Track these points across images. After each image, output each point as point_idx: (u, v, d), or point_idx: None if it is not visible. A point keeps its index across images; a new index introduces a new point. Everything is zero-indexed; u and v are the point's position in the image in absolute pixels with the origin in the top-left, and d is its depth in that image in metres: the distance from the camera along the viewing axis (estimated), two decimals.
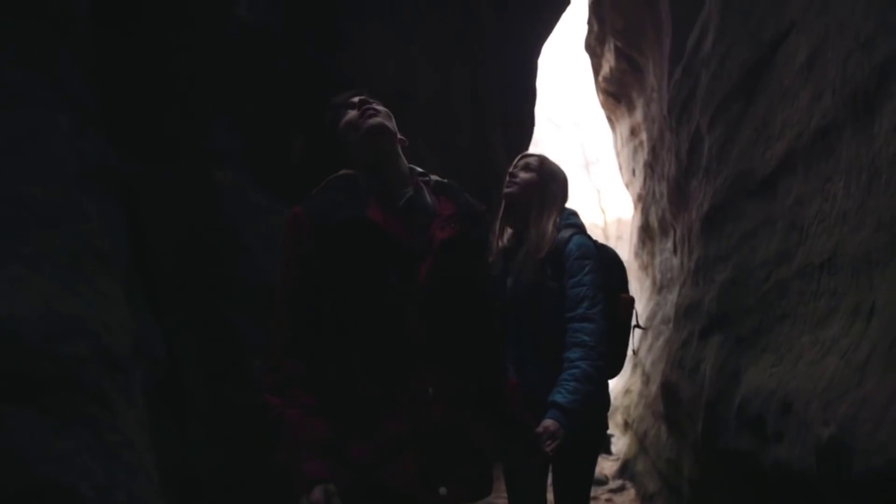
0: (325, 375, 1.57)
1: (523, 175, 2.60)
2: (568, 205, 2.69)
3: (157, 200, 3.37)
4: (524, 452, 1.96)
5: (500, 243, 2.70)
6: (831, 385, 1.76)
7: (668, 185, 6.62)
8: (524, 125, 9.25)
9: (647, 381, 7.49)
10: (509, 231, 2.70)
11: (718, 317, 3.35)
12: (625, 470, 7.12)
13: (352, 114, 1.72)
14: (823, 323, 2.09)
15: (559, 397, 2.18)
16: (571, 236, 2.47)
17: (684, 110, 4.82)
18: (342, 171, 1.74)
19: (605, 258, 2.56)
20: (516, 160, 2.72)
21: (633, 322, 2.66)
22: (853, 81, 2.04)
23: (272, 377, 1.54)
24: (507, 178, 2.63)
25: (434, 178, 1.80)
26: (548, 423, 2.10)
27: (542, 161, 2.67)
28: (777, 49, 2.97)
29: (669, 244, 7.72)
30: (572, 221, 2.57)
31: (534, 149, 9.63)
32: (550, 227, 2.50)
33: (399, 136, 1.75)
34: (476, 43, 7.77)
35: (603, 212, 35.69)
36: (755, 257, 2.96)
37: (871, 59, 1.90)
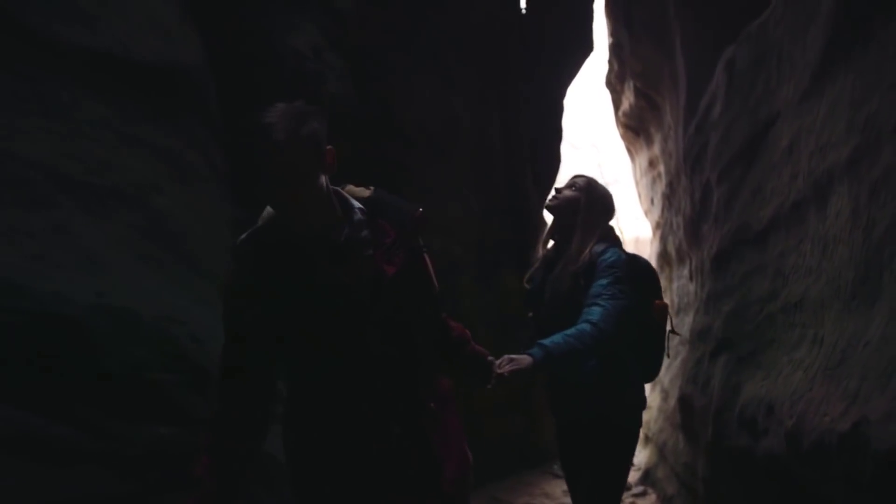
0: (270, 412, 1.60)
1: (567, 192, 2.76)
2: None
3: None
4: (481, 380, 1.90)
5: (543, 253, 2.89)
6: (795, 391, 2.55)
7: (684, 220, 7.39)
8: (552, 161, 10.10)
9: (665, 396, 8.20)
10: (551, 243, 2.86)
11: (724, 341, 4.13)
12: (646, 477, 7.83)
13: (261, 143, 1.47)
14: (796, 347, 2.88)
15: (544, 340, 2.18)
16: (605, 249, 2.58)
17: (697, 162, 5.62)
18: (268, 214, 1.62)
19: (637, 268, 2.69)
20: (568, 180, 2.89)
21: (669, 328, 2.76)
22: (814, 174, 2.84)
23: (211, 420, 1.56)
24: (553, 192, 2.81)
25: (359, 198, 1.67)
26: (515, 355, 2.05)
27: (589, 182, 2.80)
28: (768, 130, 3.77)
29: (686, 271, 8.46)
30: (610, 236, 2.72)
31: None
32: (589, 245, 2.60)
33: (323, 161, 1.53)
34: (510, 89, 8.66)
35: (621, 231, 36.31)
36: (752, 294, 3.75)
37: (824, 162, 2.71)
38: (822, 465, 2.06)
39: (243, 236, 1.59)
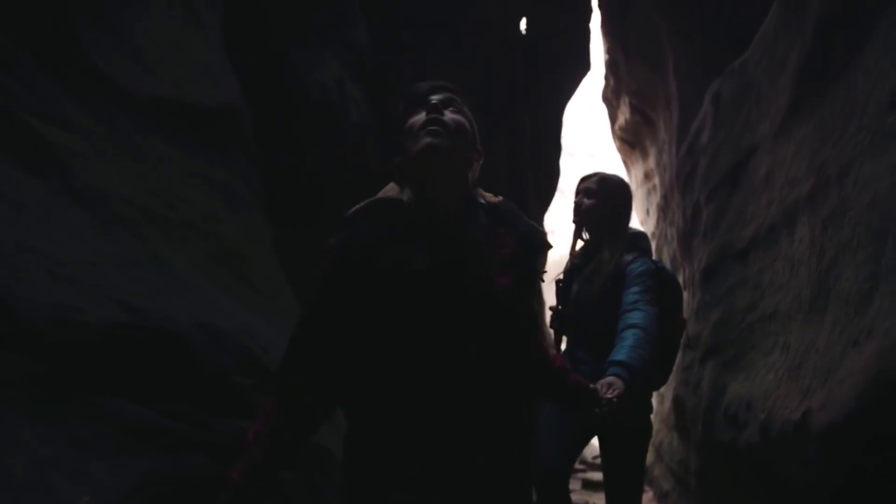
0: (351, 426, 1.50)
1: (586, 202, 2.76)
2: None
3: (296, 258, 4.62)
4: (589, 407, 1.81)
5: (571, 255, 2.89)
6: (767, 390, 3.01)
7: (678, 233, 7.86)
8: (552, 173, 10.58)
9: (661, 400, 8.65)
10: (580, 244, 2.88)
11: (712, 347, 4.59)
12: (645, 476, 8.29)
13: (419, 117, 1.47)
14: (770, 352, 3.34)
15: (616, 356, 2.15)
16: (636, 258, 2.61)
17: (688, 181, 6.10)
18: (389, 189, 1.55)
19: (664, 279, 2.69)
20: (578, 184, 2.86)
21: (685, 341, 2.86)
22: (784, 203, 3.31)
23: (265, 409, 1.46)
24: (574, 206, 2.80)
25: (491, 200, 1.59)
26: (607, 378, 2.01)
27: (601, 181, 2.81)
28: (749, 159, 4.24)
29: (680, 280, 8.93)
30: (640, 245, 2.74)
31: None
32: (620, 246, 2.66)
33: (474, 151, 1.54)
34: (512, 106, 9.13)
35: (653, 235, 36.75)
36: (736, 305, 4.21)
37: (791, 194, 3.18)
38: (783, 449, 2.52)
39: (356, 207, 1.51)
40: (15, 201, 2.21)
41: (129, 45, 3.42)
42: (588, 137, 38.81)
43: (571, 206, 2.87)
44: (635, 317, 2.32)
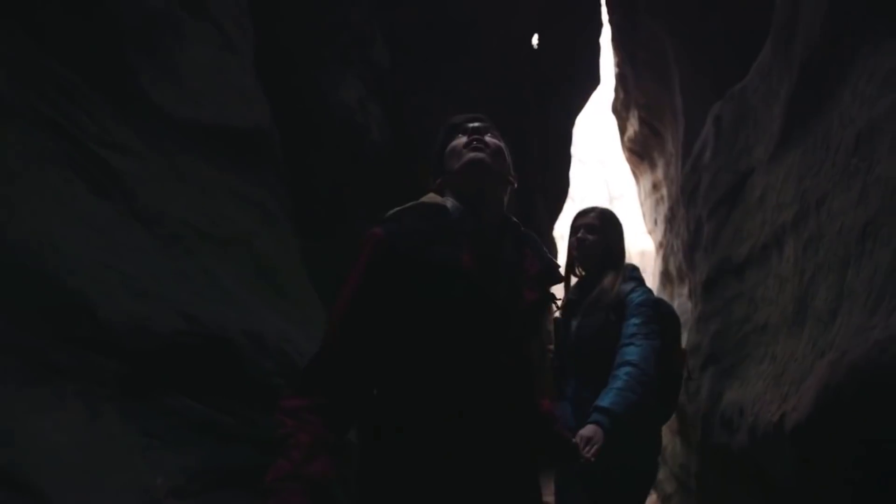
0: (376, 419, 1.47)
1: (591, 238, 2.76)
2: None
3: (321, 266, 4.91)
4: (567, 462, 1.87)
5: (567, 292, 2.85)
6: (756, 396, 3.29)
7: (683, 245, 8.14)
8: (561, 185, 10.88)
9: None
10: (573, 279, 2.87)
11: (711, 356, 4.87)
12: None
13: (460, 140, 1.60)
14: (761, 362, 3.63)
15: (600, 401, 2.18)
16: (634, 288, 2.63)
17: (692, 197, 6.38)
18: (430, 197, 1.58)
19: (663, 311, 2.72)
20: (576, 220, 2.86)
21: (685, 374, 2.81)
22: (775, 224, 3.60)
23: (296, 400, 1.37)
24: (577, 242, 2.79)
25: (517, 223, 1.68)
26: (585, 430, 2.04)
27: (602, 216, 2.83)
28: (747, 180, 4.53)
29: (686, 290, 9.20)
30: (635, 275, 2.75)
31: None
32: (619, 279, 2.67)
33: (510, 176, 1.65)
34: (524, 120, 9.44)
35: (628, 246, 36.89)
36: (733, 317, 4.49)
37: (781, 217, 3.47)
38: (766, 449, 2.81)
39: (400, 207, 1.53)
40: (92, 223, 2.53)
41: (175, 74, 3.75)
42: (599, 145, 39.04)
43: (567, 244, 2.86)
44: (630, 352, 2.34)
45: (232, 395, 2.66)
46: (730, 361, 4.41)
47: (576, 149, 13.92)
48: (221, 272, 3.11)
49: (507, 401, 1.47)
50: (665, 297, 11.86)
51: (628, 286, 2.65)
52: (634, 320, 2.49)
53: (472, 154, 1.55)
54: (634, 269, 2.80)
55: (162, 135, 3.43)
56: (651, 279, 14.32)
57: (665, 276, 11.62)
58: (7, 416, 1.62)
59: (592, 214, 2.84)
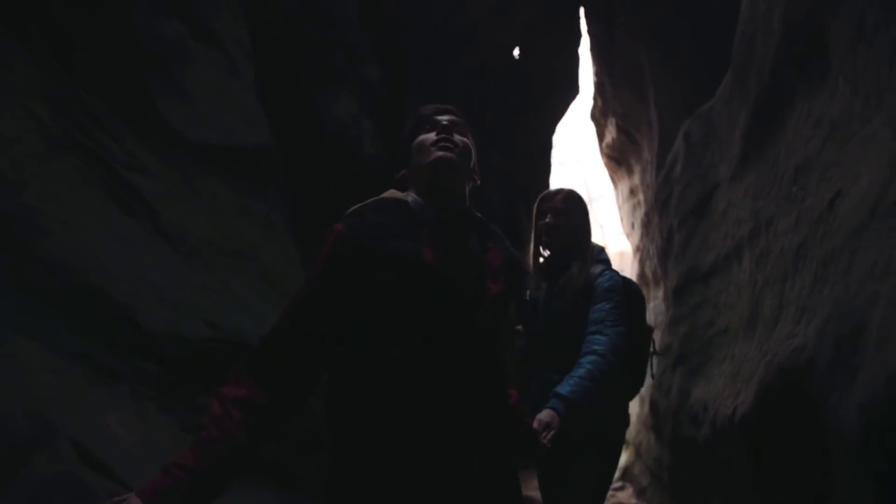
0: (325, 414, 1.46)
1: (558, 221, 2.71)
2: None
3: None
4: (528, 450, 1.90)
5: (535, 270, 2.84)
6: (717, 393, 3.67)
7: (657, 250, 8.55)
8: (543, 190, 11.24)
9: (642, 402, 9.34)
10: (541, 261, 2.83)
11: (681, 356, 5.26)
12: (625, 474, 8.96)
13: (429, 135, 1.58)
14: (723, 362, 4.01)
15: (560, 388, 2.18)
16: (603, 271, 2.61)
17: (665, 206, 6.79)
18: (391, 193, 1.59)
19: (630, 292, 2.73)
20: (542, 203, 2.80)
21: (652, 349, 2.83)
22: (735, 237, 3.99)
23: (232, 388, 1.34)
24: (544, 227, 2.73)
25: (481, 218, 1.68)
26: (542, 414, 2.05)
27: (568, 199, 2.77)
28: (712, 194, 4.92)
29: (661, 293, 9.62)
30: (603, 257, 2.73)
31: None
32: (588, 260, 2.65)
33: (474, 173, 1.64)
34: (505, 128, 9.81)
35: (606, 246, 37.38)
36: (699, 321, 4.88)
37: (739, 231, 3.85)
38: (723, 439, 3.18)
39: (361, 204, 1.54)
40: (126, 242, 2.84)
41: (187, 97, 4.05)
42: (578, 146, 39.56)
43: (534, 228, 2.79)
44: (597, 341, 2.35)
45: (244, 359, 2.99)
46: (697, 361, 4.80)
47: (555, 150, 14.25)
48: (235, 282, 3.43)
49: (477, 396, 1.44)
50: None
51: (597, 269, 2.62)
52: (603, 305, 2.47)
53: (440, 153, 1.54)
54: (602, 251, 2.77)
55: (178, 156, 3.73)
56: (632, 275, 14.74)
57: (642, 278, 12.04)
58: (83, 413, 1.93)
59: (559, 198, 2.76)
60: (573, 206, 2.76)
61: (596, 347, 2.33)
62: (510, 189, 9.64)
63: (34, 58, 3.03)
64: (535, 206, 2.83)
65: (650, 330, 2.85)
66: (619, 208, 15.36)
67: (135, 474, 2.04)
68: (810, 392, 1.84)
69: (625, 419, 2.73)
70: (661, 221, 7.43)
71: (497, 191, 9.38)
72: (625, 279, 2.73)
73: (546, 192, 2.89)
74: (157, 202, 3.28)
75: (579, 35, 12.28)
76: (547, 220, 2.73)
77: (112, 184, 3.08)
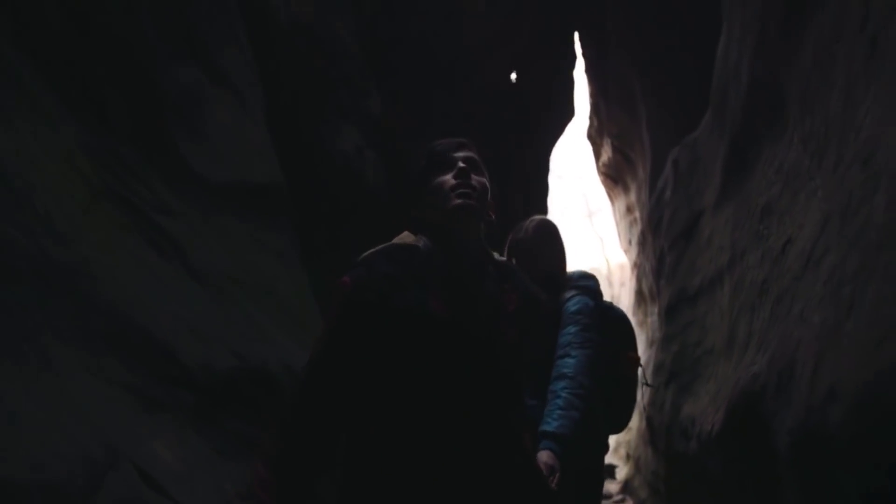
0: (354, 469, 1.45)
1: (525, 262, 2.67)
2: (572, 253, 2.89)
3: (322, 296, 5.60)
4: (540, 496, 1.74)
5: None
6: (703, 410, 3.96)
7: (652, 269, 8.85)
8: (540, 210, 11.56)
9: (640, 417, 9.61)
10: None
11: (672, 373, 5.55)
12: (625, 488, 9.22)
13: (448, 177, 1.54)
14: (709, 381, 4.30)
15: (547, 426, 2.17)
16: (573, 296, 2.57)
17: (657, 228, 7.10)
18: (404, 237, 1.57)
19: (610, 318, 2.68)
20: (511, 240, 2.81)
21: (642, 380, 2.77)
22: (717, 263, 4.28)
23: (270, 448, 1.44)
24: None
25: (498, 258, 1.67)
26: (543, 457, 2.06)
27: (534, 232, 2.75)
28: (699, 220, 5.23)
29: (657, 309, 9.91)
30: (580, 284, 2.66)
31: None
32: (555, 287, 2.62)
33: (490, 212, 1.62)
34: (504, 153, 10.13)
35: (607, 260, 37.69)
36: (689, 340, 5.17)
37: (721, 258, 4.15)
38: (707, 451, 3.47)
39: (372, 250, 1.52)
40: (161, 281, 3.14)
41: (205, 138, 4.37)
42: (577, 160, 39.93)
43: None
44: (566, 364, 2.33)
45: (273, 416, 3.27)
46: (687, 379, 5.08)
47: (555, 165, 14.52)
48: (257, 314, 3.73)
49: (494, 446, 1.44)
50: (640, 314, 12.58)
51: (569, 294, 2.59)
52: (570, 328, 2.45)
53: (459, 201, 1.51)
54: (582, 278, 2.70)
55: (199, 196, 4.04)
56: (629, 293, 15.05)
57: (639, 294, 12.33)
58: (137, 439, 2.23)
59: (521, 235, 2.75)
60: (538, 239, 2.74)
61: (565, 371, 2.32)
62: (507, 211, 9.95)
63: (74, 113, 3.35)
64: (506, 243, 2.81)
65: (635, 360, 2.73)
66: (617, 224, 15.68)
67: (182, 493, 2.33)
68: (762, 415, 2.13)
69: (602, 446, 2.65)
70: (654, 242, 7.74)
71: (494, 213, 9.68)
72: (606, 305, 2.70)
73: (516, 227, 2.87)
74: (184, 241, 3.58)
75: (574, 57, 12.64)
76: (513, 261, 2.68)
77: (145, 227, 3.38)
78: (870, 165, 1.40)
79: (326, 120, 6.24)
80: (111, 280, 2.66)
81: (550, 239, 2.76)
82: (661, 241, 6.68)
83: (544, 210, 11.54)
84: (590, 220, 37.67)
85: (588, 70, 13.09)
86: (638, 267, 12.42)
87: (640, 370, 2.80)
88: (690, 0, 7.84)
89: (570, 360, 2.35)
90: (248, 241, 4.28)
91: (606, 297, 2.83)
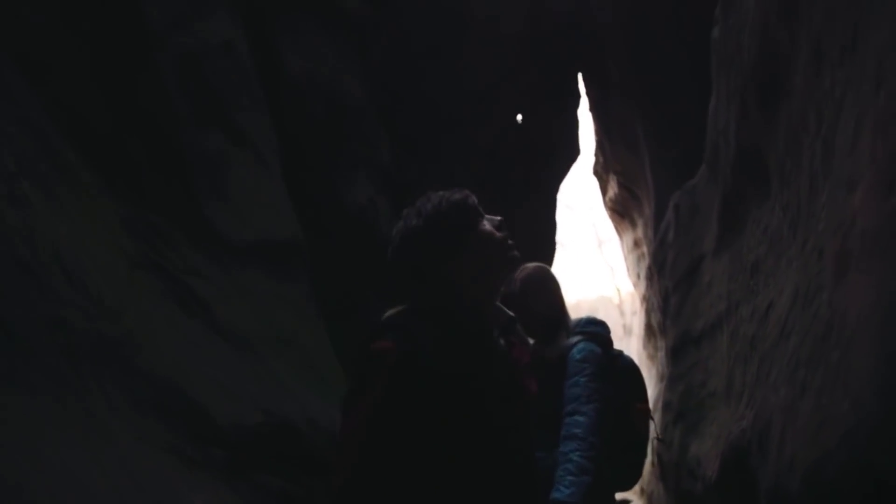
0: None
1: (520, 313, 2.31)
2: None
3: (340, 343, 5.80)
4: None
5: None
6: (706, 451, 4.12)
7: (659, 305, 9.02)
8: (548, 251, 11.78)
9: (652, 452, 9.72)
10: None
11: (679, 413, 5.71)
12: None
13: (492, 229, 1.56)
14: (711, 424, 4.47)
15: (558, 493, 2.14)
16: (578, 342, 2.50)
17: (661, 269, 7.30)
18: (434, 300, 1.53)
19: (619, 368, 2.60)
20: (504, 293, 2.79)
21: (652, 434, 2.68)
22: (717, 309, 4.48)
23: None
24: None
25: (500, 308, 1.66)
26: None
27: (524, 283, 2.65)
28: (700, 265, 5.43)
29: (664, 345, 10.05)
30: (587, 330, 2.60)
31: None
32: (557, 335, 2.56)
33: None
34: (509, 192, 10.39)
35: (618, 290, 37.74)
36: (694, 381, 5.35)
37: (720, 305, 4.35)
38: (711, 491, 3.64)
39: (403, 312, 1.52)
40: (192, 341, 3.38)
41: (228, 200, 4.64)
42: (586, 190, 40.23)
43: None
44: (576, 423, 2.27)
45: (298, 469, 3.48)
46: (693, 420, 5.24)
47: (563, 195, 14.76)
48: (279, 368, 3.95)
49: (527, 492, 1.50)
50: (650, 348, 12.68)
51: (572, 340, 2.52)
52: (577, 379, 2.37)
53: (514, 253, 1.55)
54: (589, 324, 2.63)
55: (222, 256, 4.30)
56: (640, 324, 15.11)
57: (649, 328, 12.44)
58: (181, 496, 2.45)
59: (512, 288, 2.58)
60: (529, 290, 2.63)
61: (576, 431, 2.26)
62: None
63: (112, 186, 3.62)
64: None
65: (645, 412, 2.64)
66: (625, 258, 15.84)
67: None
68: (750, 468, 2.32)
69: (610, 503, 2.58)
70: (659, 282, 7.93)
71: None
72: (616, 353, 2.62)
73: (508, 281, 2.80)
74: (211, 301, 3.82)
75: (578, 97, 12.95)
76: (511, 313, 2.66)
77: (177, 291, 3.64)
78: (822, 260, 1.61)
79: (338, 171, 6.53)
80: (152, 348, 2.90)
81: (541, 287, 2.67)
82: (666, 282, 6.88)
83: (552, 248, 11.77)
84: (600, 250, 37.83)
85: (592, 109, 13.40)
86: (647, 301, 12.55)
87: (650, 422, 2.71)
88: (688, 47, 8.14)
89: (579, 419, 2.28)
90: (269, 295, 4.52)
91: (618, 326, 2.86)
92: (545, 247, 11.29)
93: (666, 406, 6.59)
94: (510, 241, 1.56)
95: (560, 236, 13.82)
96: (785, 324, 2.09)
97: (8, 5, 3.30)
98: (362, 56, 7.12)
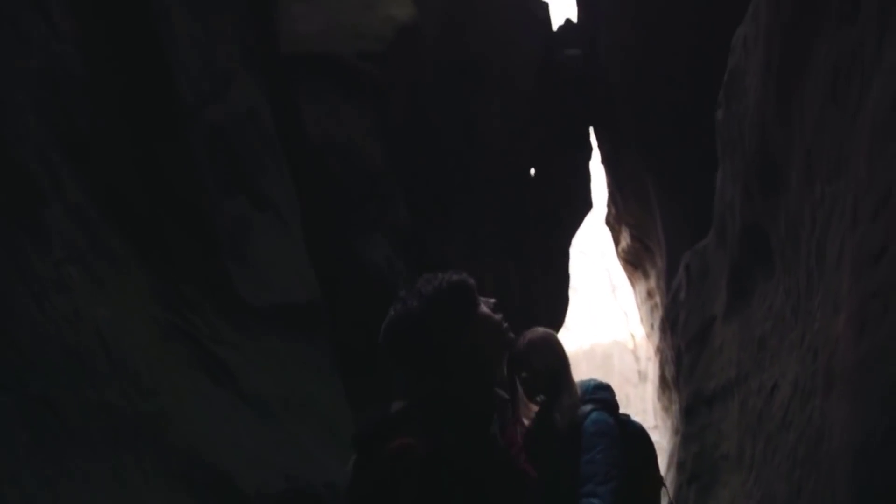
0: None
1: (524, 376, 2.56)
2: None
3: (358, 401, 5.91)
4: None
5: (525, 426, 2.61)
6: None
7: (672, 359, 9.07)
8: (560, 302, 11.88)
9: None
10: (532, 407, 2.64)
11: (693, 473, 5.74)
12: None
13: (490, 312, 1.58)
14: (725, 486, 4.51)
15: None
16: (591, 412, 2.43)
17: (674, 326, 7.39)
18: (443, 388, 1.53)
19: (629, 435, 2.53)
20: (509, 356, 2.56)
21: (664, 500, 2.62)
22: (727, 375, 4.57)
23: None
24: (518, 383, 2.57)
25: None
26: None
27: (530, 347, 2.59)
28: (711, 326, 5.53)
29: (678, 401, 10.05)
30: (597, 396, 2.54)
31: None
32: (570, 403, 2.48)
33: None
34: (524, 247, 10.55)
35: (632, 335, 37.42)
36: (707, 442, 5.40)
37: (730, 371, 4.44)
38: None
39: (421, 411, 1.50)
40: (218, 410, 3.51)
41: (251, 265, 4.80)
42: (600, 236, 40.32)
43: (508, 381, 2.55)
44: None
45: None
46: (706, 481, 5.28)
47: (578, 241, 14.82)
48: (300, 432, 4.07)
49: None
50: (665, 400, 12.62)
51: (586, 408, 2.44)
52: (593, 456, 2.31)
53: (511, 335, 1.61)
54: (598, 389, 2.58)
55: (246, 321, 4.45)
56: (654, 373, 15.04)
57: (663, 381, 12.42)
58: None
59: (520, 349, 2.56)
60: (534, 353, 2.56)
61: None
62: (528, 301, 10.29)
63: (142, 259, 3.80)
64: (508, 357, 2.54)
65: (659, 481, 2.58)
66: (639, 308, 15.88)
67: None
68: None
69: None
70: (672, 338, 8.00)
71: (515, 301, 10.04)
72: (624, 420, 2.55)
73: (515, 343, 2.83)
74: (236, 368, 3.96)
75: (590, 150, 13.21)
76: (516, 375, 2.57)
77: (204, 359, 3.78)
78: (816, 361, 1.74)
79: (357, 231, 6.72)
80: (183, 421, 3.03)
81: (545, 344, 2.60)
82: (678, 341, 6.96)
83: (565, 299, 11.86)
84: (613, 295, 37.73)
85: (604, 162, 13.64)
86: (661, 353, 12.56)
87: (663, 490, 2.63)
88: (695, 108, 8.36)
89: (595, 501, 2.22)
90: (290, 358, 4.66)
91: (633, 372, 2.83)
92: (558, 301, 11.40)
93: (680, 466, 6.60)
94: (506, 324, 1.59)
95: (574, 281, 13.93)
96: (787, 411, 2.20)
97: (54, 88, 3.53)
98: (380, 121, 7.38)
